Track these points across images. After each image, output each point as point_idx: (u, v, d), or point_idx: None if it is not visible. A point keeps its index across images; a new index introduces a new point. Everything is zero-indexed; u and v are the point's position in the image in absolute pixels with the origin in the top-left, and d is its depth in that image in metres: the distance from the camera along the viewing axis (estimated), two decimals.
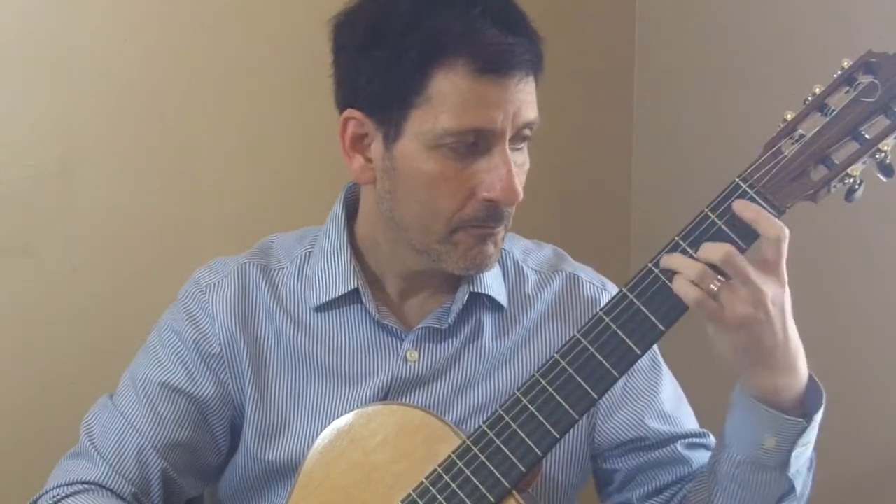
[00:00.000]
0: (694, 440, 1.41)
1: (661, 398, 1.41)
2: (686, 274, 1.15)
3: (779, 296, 1.16)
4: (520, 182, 1.26)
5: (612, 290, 1.43)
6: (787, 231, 1.15)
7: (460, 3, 1.23)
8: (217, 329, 1.36)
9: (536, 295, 1.40)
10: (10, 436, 1.95)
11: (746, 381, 1.21)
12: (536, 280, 1.42)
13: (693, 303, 1.15)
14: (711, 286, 1.14)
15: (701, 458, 1.39)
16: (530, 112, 1.26)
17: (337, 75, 1.31)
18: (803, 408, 1.21)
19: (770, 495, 1.25)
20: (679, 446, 1.40)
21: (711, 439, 1.42)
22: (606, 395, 1.22)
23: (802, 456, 1.24)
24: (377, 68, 1.25)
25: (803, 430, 1.21)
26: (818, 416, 1.22)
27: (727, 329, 1.16)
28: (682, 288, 1.15)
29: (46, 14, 1.95)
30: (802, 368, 1.21)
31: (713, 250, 1.15)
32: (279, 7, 2.18)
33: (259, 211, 2.17)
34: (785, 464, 1.23)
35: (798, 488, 1.26)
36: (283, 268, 1.39)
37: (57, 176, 1.97)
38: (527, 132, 1.27)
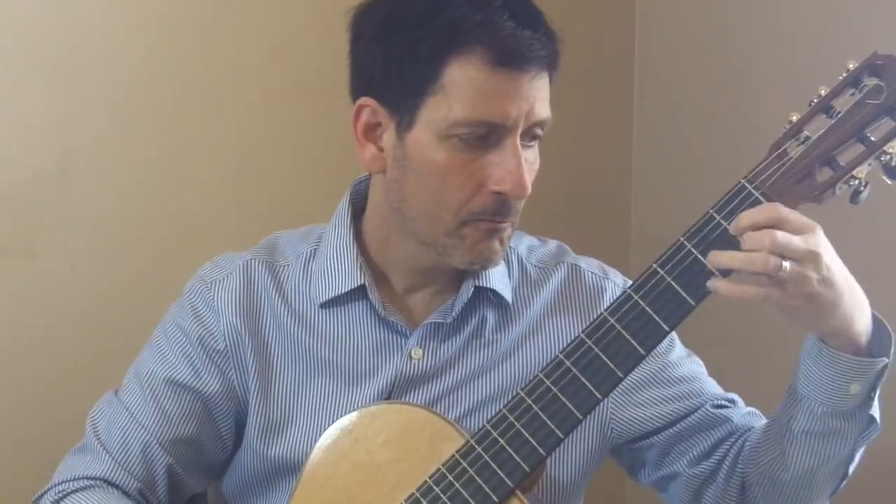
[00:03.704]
0: (721, 402, 1.40)
1: (674, 366, 1.39)
2: (754, 266, 1.13)
3: (824, 243, 1.15)
4: (529, 178, 1.26)
5: (615, 277, 1.43)
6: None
7: None
8: (222, 325, 1.36)
9: (539, 289, 1.41)
10: (10, 436, 1.95)
11: (832, 335, 1.20)
12: (538, 275, 1.42)
13: (763, 298, 1.14)
14: (781, 271, 1.12)
15: (736, 414, 1.38)
16: (543, 110, 1.26)
17: (352, 64, 1.31)
18: (872, 346, 1.21)
19: (851, 437, 1.26)
20: (709, 408, 1.38)
21: (740, 402, 1.41)
22: (627, 379, 1.20)
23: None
24: (394, 56, 1.25)
25: (886, 367, 1.21)
26: (893, 348, 1.22)
27: (800, 305, 1.15)
28: (744, 290, 1.14)
29: (46, 14, 1.94)
30: (866, 301, 1.21)
31: (760, 239, 1.13)
32: (280, 7, 2.18)
33: (259, 210, 2.16)
34: (866, 402, 1.23)
35: (878, 418, 1.26)
36: (288, 265, 1.39)
37: (57, 176, 1.97)
38: (538, 131, 1.28)
